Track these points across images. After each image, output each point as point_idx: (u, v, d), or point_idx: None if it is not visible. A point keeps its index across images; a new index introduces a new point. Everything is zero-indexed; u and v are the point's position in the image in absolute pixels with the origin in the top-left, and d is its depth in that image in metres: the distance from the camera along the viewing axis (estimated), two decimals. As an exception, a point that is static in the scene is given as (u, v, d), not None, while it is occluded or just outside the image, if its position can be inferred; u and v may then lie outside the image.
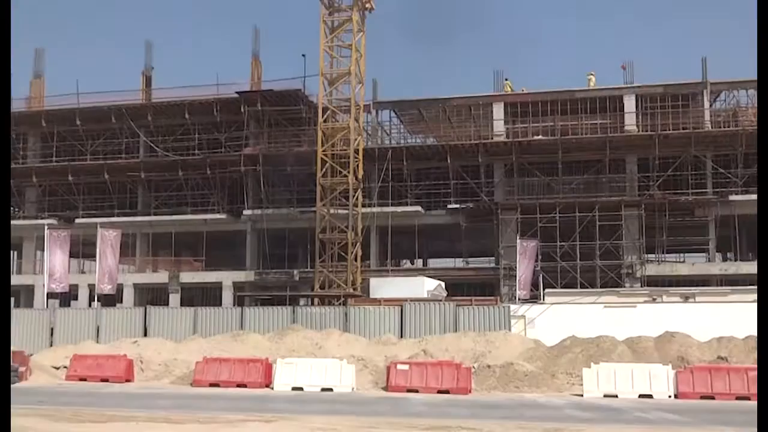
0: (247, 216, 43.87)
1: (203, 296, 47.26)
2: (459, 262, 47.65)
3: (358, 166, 37.92)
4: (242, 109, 42.85)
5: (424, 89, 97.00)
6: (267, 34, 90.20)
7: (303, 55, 40.88)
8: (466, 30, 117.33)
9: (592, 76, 44.01)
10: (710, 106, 42.54)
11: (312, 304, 36.48)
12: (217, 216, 44.18)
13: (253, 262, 43.84)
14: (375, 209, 41.24)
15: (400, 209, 42.10)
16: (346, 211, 37.62)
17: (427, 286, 34.99)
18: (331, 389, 21.69)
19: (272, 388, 22.29)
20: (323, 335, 27.81)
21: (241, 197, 44.46)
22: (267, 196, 43.28)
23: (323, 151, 37.57)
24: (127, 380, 24.55)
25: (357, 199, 38.06)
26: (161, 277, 44.99)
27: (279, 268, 43.26)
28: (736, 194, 39.05)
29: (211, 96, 43.84)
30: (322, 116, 37.79)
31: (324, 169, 37.57)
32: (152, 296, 45.60)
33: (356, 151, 37.77)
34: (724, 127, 41.29)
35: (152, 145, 45.37)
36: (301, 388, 21.89)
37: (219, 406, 17.67)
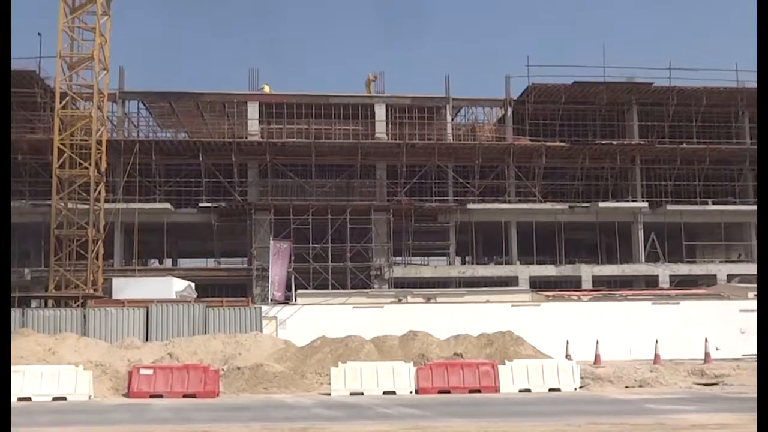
0: (-30, 208, 39.45)
1: None
2: (211, 262, 46.60)
3: (100, 158, 35.43)
4: (-36, 89, 38.43)
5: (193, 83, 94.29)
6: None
7: (39, 34, 37.71)
8: (245, 28, 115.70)
9: (371, 79, 45.58)
10: (452, 120, 45.48)
11: (46, 306, 33.73)
12: (-68, 207, 39.25)
13: (-24, 260, 39.49)
14: (120, 205, 39.05)
15: (147, 206, 40.23)
16: (87, 206, 35.03)
17: (176, 286, 33.78)
18: (64, 398, 20.01)
19: (-6, 400, 20.10)
20: (57, 340, 25.76)
21: (-38, 187, 39.87)
22: (-6, 187, 39.24)
23: (61, 140, 34.60)
24: None
25: (99, 193, 35.59)
26: None
27: (7, 266, 39.45)
28: (474, 203, 42.07)
29: (-77, 71, 38.80)
30: (60, 102, 34.78)
31: (62, 160, 34.59)
32: None
33: (99, 142, 35.22)
34: (464, 140, 44.37)
35: None
36: (29, 398, 19.94)
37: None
